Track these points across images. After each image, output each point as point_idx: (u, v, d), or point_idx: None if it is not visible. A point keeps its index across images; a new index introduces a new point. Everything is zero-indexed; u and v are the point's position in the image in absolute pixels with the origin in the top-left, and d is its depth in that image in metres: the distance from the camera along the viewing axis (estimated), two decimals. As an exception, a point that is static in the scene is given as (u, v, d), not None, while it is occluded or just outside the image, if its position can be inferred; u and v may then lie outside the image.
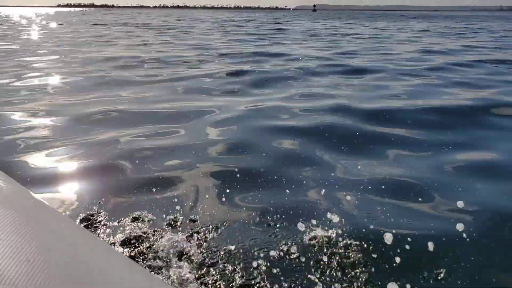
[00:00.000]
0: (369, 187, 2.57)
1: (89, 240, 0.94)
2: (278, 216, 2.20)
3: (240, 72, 7.13)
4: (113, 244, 1.92)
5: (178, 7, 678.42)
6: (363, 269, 1.73)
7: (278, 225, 2.12)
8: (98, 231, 2.05)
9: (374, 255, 1.80)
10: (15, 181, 1.07)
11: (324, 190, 2.47)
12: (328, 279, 1.69)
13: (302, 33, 19.28)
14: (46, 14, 59.83)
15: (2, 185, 0.97)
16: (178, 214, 2.21)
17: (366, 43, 13.68)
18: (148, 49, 11.16)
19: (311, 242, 1.93)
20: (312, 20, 40.46)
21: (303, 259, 1.80)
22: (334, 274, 1.71)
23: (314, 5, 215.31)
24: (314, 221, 2.02)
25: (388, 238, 1.72)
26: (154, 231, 2.03)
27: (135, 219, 2.14)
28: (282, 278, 1.69)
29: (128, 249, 1.88)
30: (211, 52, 10.34)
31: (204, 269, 1.75)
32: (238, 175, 2.72)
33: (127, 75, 6.85)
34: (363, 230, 2.01)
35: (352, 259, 1.80)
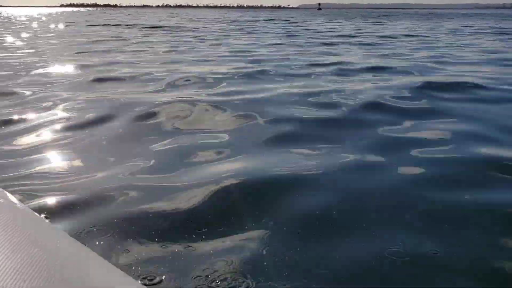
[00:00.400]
0: None
1: (64, 240, 0.93)
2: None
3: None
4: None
5: (181, 6, 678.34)
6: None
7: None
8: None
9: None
10: None
11: None
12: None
13: (380, 37, 16.31)
14: (57, 15, 58.43)
15: None
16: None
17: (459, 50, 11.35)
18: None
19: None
20: (332, 20, 38.56)
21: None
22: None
23: (319, 4, 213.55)
24: None
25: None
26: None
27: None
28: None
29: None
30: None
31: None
32: None
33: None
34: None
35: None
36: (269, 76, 6.96)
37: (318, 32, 19.89)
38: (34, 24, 27.21)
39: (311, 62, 8.70)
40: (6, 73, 7.14)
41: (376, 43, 13.73)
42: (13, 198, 1.12)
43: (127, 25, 25.88)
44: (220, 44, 13.01)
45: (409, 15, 59.80)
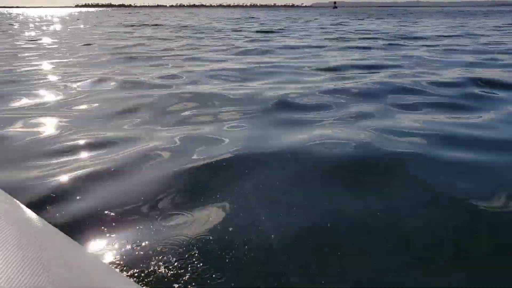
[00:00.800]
0: None
1: (62, 240, 0.94)
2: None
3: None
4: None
5: (194, 6, 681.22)
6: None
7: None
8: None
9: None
10: None
11: None
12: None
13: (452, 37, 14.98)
14: (81, 15, 59.00)
15: None
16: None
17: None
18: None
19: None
20: (362, 19, 37.86)
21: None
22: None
23: (335, 2, 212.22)
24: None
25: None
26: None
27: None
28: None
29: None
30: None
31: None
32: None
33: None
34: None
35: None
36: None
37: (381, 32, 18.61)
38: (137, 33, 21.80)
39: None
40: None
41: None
42: (8, 197, 1.11)
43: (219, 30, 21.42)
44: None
45: (428, 14, 58.69)
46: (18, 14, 66.74)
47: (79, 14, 70.78)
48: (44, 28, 24.40)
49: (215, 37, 16.38)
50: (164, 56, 9.90)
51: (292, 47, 11.88)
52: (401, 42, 13.47)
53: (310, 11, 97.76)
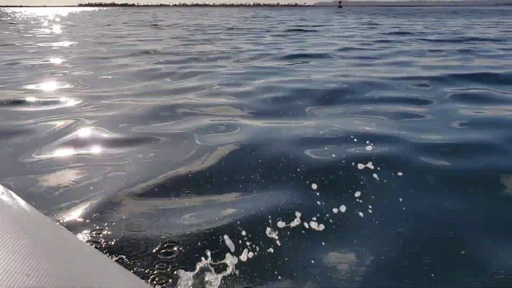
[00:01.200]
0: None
1: (76, 245, 0.94)
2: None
3: None
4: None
5: (197, 5, 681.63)
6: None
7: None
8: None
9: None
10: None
11: None
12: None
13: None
14: (90, 14, 58.00)
15: None
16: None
17: None
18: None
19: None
20: (375, 19, 36.72)
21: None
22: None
23: (340, 1, 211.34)
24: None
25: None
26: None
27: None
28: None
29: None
30: None
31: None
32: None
33: None
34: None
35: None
36: None
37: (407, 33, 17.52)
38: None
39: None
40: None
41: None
42: (16, 196, 1.04)
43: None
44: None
45: (446, 13, 57.42)
46: (16, 13, 65.79)
47: (84, 13, 69.67)
48: (62, 31, 22.04)
49: (258, 37, 14.88)
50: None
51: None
52: (482, 44, 11.87)
53: (315, 10, 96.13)
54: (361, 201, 2.29)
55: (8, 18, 40.14)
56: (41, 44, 12.89)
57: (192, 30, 20.01)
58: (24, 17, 44.18)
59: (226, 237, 1.91)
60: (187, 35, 16.89)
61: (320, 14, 53.75)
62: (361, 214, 2.18)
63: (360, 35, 15.80)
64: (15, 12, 77.04)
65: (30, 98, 5.12)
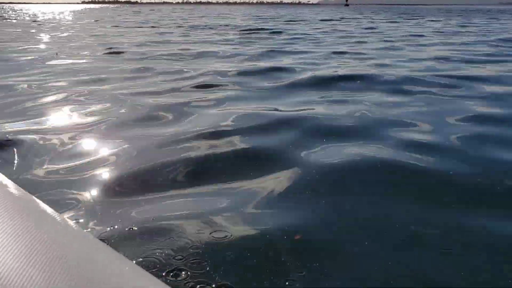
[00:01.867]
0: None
1: (88, 241, 0.94)
2: None
3: None
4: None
5: (200, 3, 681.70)
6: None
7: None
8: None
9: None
10: (12, 182, 1.05)
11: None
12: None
13: None
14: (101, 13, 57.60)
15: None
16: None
17: None
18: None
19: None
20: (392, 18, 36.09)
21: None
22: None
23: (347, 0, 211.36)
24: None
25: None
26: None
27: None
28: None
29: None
30: None
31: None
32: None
33: None
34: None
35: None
36: None
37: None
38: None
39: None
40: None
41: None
42: (20, 189, 1.04)
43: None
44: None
45: (456, 12, 56.79)
46: (25, 10, 65.06)
47: (90, 10, 69.21)
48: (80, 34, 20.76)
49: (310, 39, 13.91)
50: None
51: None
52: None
53: (319, 9, 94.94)
54: None
55: (27, 17, 35.30)
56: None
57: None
58: (43, 15, 42.04)
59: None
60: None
61: (329, 13, 53.22)
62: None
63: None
64: (24, 9, 76.10)
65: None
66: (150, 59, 8.71)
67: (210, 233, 1.96)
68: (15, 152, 3.12)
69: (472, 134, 3.58)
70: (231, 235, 1.94)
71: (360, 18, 31.43)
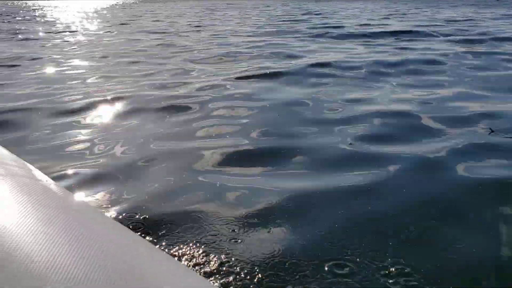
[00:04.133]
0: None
1: (135, 241, 0.97)
2: None
3: None
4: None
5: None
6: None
7: None
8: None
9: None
10: (57, 183, 1.15)
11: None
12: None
13: None
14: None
15: (47, 188, 1.03)
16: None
17: None
18: None
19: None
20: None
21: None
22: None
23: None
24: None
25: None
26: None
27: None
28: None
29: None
30: None
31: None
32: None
33: None
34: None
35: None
36: None
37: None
38: None
39: None
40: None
41: None
42: (64, 189, 1.15)
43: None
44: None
45: (461, 2, 47.06)
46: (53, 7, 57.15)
47: (113, 7, 58.46)
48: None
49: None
50: None
51: None
52: None
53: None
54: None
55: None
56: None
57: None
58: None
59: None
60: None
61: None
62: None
63: None
64: (51, 6, 67.75)
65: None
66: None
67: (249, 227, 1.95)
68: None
69: None
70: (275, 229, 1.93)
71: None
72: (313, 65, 6.61)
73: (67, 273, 0.64)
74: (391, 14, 20.07)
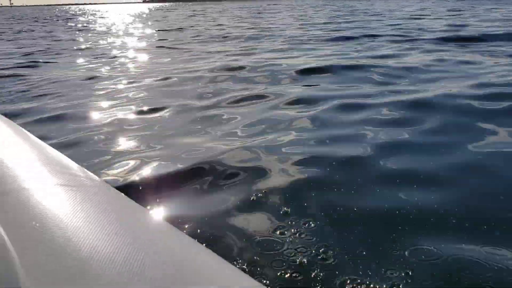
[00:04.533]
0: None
1: (181, 239, 0.97)
2: None
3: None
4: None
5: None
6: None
7: None
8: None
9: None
10: (102, 180, 1.15)
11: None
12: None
13: None
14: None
15: (91, 185, 1.06)
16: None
17: None
18: None
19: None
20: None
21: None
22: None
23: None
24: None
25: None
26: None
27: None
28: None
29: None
30: None
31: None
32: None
33: None
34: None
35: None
36: None
37: None
38: None
39: None
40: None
41: None
42: (112, 188, 1.17)
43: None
44: None
45: None
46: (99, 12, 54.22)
47: (162, 12, 47.64)
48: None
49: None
50: None
51: None
52: None
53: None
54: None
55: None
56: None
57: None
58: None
59: None
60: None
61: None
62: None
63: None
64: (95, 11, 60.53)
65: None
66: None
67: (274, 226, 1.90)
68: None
69: None
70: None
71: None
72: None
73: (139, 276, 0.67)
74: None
